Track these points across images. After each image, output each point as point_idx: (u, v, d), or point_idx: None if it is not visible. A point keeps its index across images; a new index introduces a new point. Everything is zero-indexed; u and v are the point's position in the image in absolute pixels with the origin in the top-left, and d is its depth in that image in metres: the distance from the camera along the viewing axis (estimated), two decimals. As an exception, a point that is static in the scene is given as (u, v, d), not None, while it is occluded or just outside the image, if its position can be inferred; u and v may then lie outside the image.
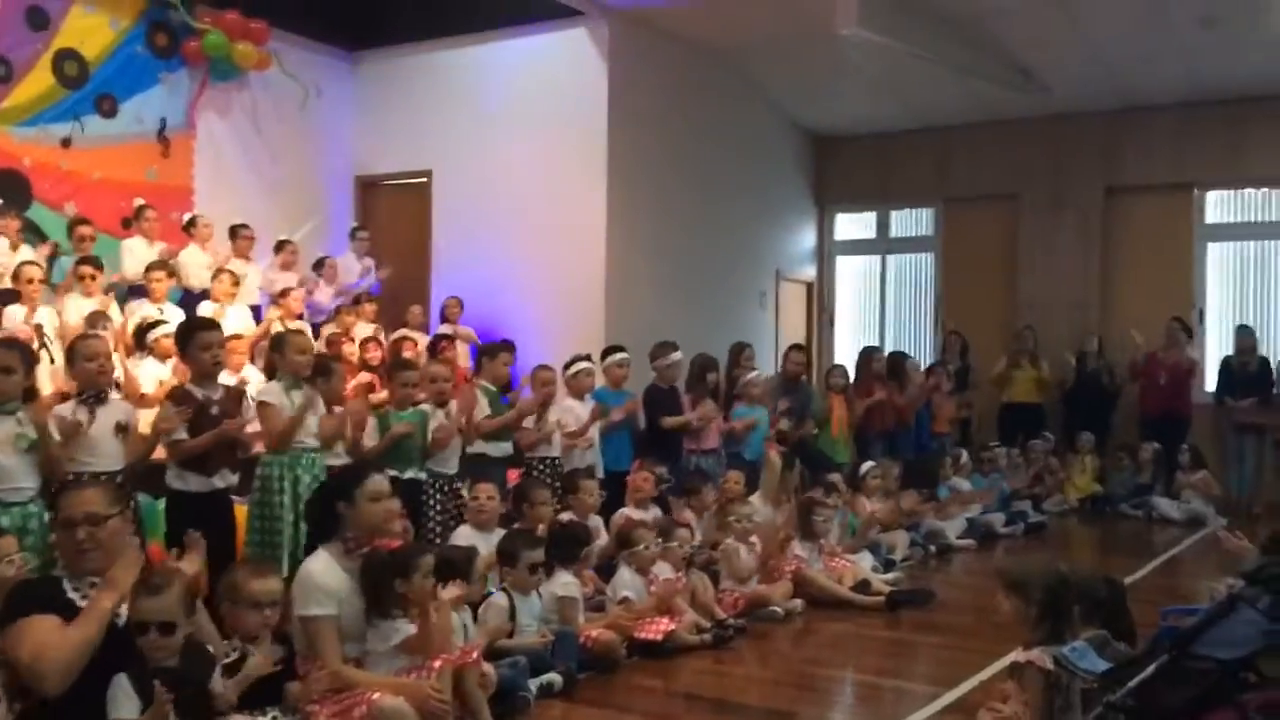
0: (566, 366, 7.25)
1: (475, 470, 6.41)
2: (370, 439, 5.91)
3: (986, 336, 11.98)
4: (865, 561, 7.05)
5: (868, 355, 10.15)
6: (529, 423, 6.74)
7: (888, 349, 11.32)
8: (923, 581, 7.09)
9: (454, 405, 6.31)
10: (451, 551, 4.70)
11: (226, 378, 6.07)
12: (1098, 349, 11.53)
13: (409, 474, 5.93)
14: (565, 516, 6.08)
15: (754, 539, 6.44)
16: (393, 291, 10.70)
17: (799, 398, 8.97)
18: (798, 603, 6.21)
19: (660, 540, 5.73)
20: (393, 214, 11.55)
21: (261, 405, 5.23)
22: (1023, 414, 11.42)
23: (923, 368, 10.98)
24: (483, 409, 6.55)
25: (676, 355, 7.93)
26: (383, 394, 8.28)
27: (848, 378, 9.61)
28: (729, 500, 6.80)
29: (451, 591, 4.18)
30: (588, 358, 7.34)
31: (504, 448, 6.67)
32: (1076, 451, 11.06)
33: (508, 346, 7.24)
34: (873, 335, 13.51)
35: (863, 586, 6.48)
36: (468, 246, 10.78)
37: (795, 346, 9.59)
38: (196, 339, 4.98)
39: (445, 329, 9.96)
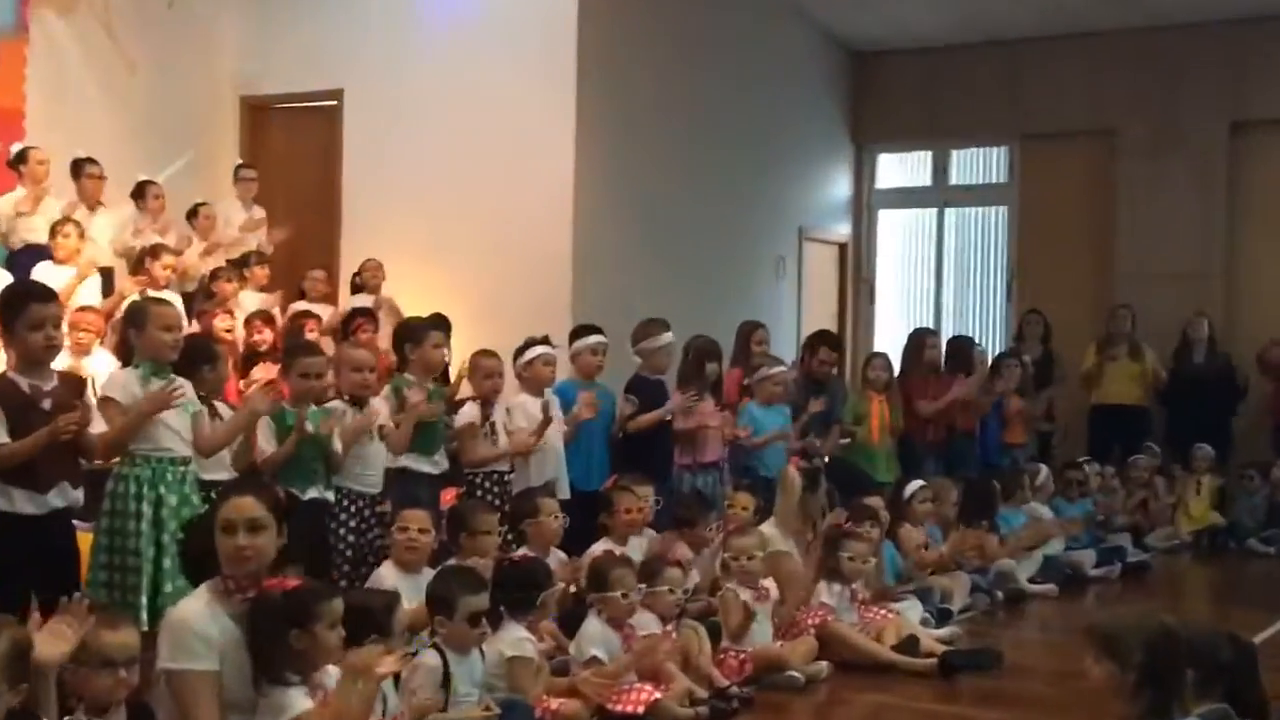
0: (518, 353, 7.24)
1: (398, 490, 6.39)
2: (266, 443, 5.87)
3: (1075, 316, 12.03)
4: (912, 612, 7.06)
5: (919, 340, 10.14)
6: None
7: (946, 332, 11.33)
8: (987, 639, 7.12)
9: (374, 403, 6.30)
10: (365, 597, 4.68)
11: (64, 360, 6.02)
12: (1207, 334, 11.54)
13: (311, 493, 5.91)
14: (518, 551, 6.05)
15: (766, 582, 6.43)
16: (291, 251, 10.65)
17: (826, 397, 8.97)
18: (823, 665, 6.20)
19: (643, 585, 5.72)
20: (290, 148, 11.51)
21: (103, 402, 5.14)
22: (1120, 419, 11.46)
23: (990, 358, 11.01)
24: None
25: (667, 337, 7.92)
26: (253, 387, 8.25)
27: (892, 370, 9.62)
28: (734, 531, 6.80)
29: (390, 663, 4.13)
30: (545, 340, 7.33)
31: (436, 461, 6.67)
32: (1190, 469, 11.11)
33: (439, 323, 7.20)
34: (926, 314, 13.55)
35: (909, 645, 6.49)
36: (390, 192, 10.72)
37: (822, 339, 9.49)
38: (25, 313, 4.89)
39: (362, 301, 9.91)
